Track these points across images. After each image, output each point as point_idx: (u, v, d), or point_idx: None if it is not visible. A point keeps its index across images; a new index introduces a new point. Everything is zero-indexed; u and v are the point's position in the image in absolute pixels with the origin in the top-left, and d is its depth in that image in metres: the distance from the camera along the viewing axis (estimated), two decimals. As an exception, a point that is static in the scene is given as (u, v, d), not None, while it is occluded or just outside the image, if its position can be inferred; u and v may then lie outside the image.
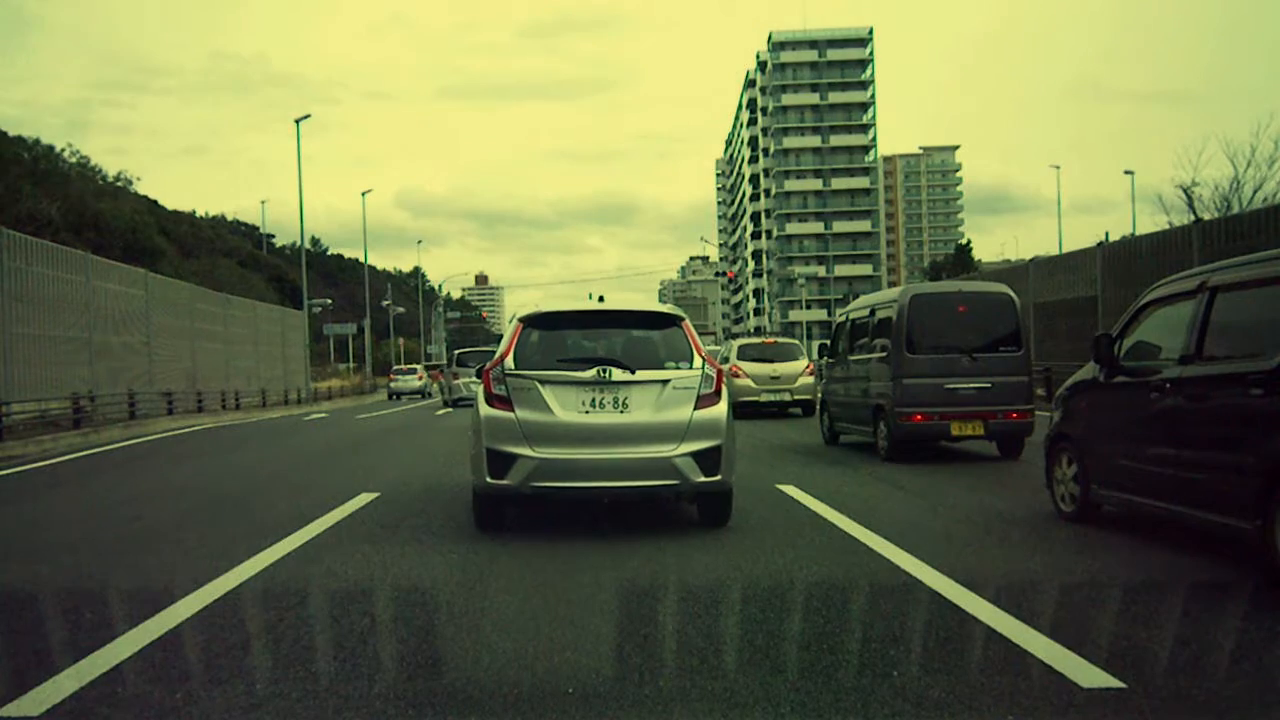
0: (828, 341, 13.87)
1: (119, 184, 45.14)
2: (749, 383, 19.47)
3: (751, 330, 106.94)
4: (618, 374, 6.84)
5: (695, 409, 6.88)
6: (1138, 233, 39.78)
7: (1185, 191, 29.88)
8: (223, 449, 15.91)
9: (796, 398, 19.52)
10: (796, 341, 21.49)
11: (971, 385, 10.91)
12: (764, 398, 19.41)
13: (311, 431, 20.38)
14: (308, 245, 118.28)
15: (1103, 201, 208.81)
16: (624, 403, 6.85)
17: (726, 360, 20.40)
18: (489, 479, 6.86)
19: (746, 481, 9.78)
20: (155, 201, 54.94)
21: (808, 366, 19.89)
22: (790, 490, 8.95)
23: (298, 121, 39.86)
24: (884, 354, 11.36)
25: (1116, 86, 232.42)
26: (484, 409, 6.99)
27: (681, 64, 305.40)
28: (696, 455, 6.79)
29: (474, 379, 29.66)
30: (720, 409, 7.00)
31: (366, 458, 13.22)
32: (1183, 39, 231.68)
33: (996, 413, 10.93)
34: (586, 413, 6.83)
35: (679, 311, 7.56)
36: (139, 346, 23.89)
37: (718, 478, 6.88)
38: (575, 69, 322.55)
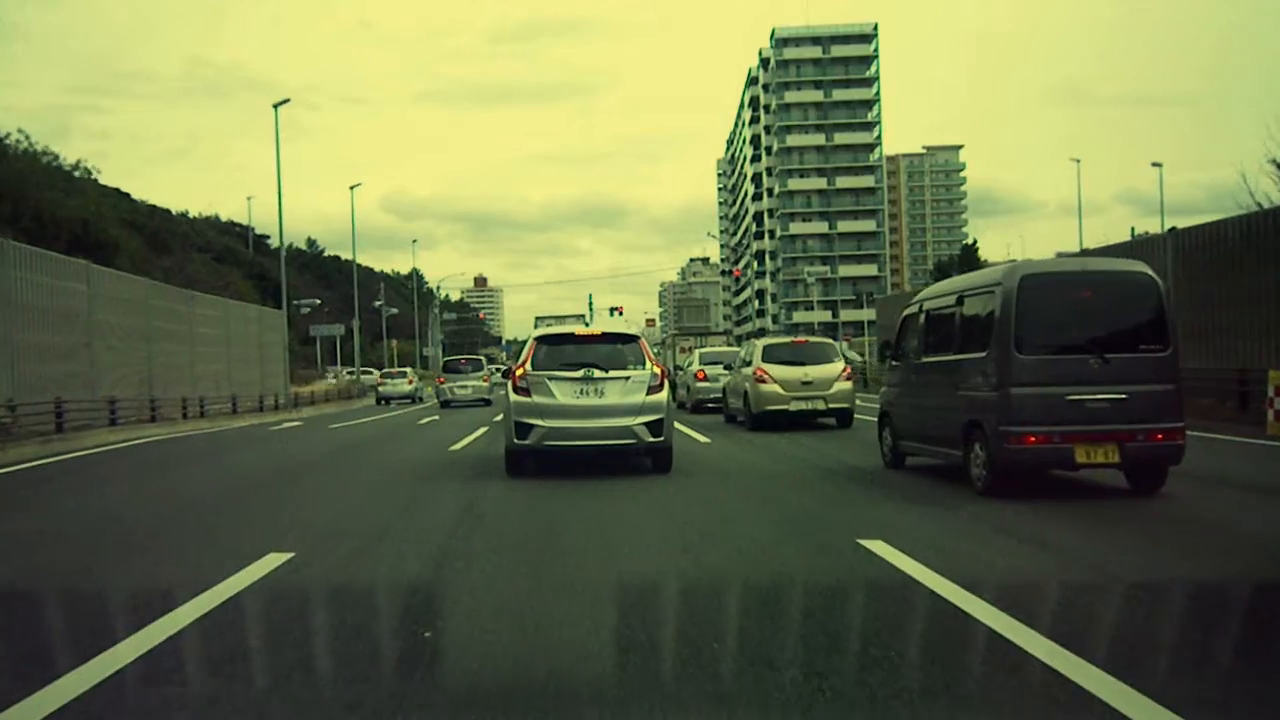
0: (890, 340, 11.09)
1: (78, 174, 42.04)
2: (776, 389, 16.67)
3: (755, 331, 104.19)
4: (598, 373, 10.16)
5: (646, 395, 10.18)
6: (1159, 230, 36.95)
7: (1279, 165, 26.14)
8: (140, 472, 13.16)
9: (832, 406, 16.72)
10: (831, 341, 18.70)
11: (1103, 396, 8.13)
12: (794, 406, 16.62)
13: (267, 446, 17.61)
14: (302, 246, 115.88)
15: (1090, 204, 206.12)
16: (601, 391, 10.14)
17: (749, 363, 17.63)
18: (516, 441, 10.20)
19: (815, 531, 7.03)
20: (128, 195, 52.06)
21: (844, 370, 17.11)
22: (880, 549, 6.18)
23: (276, 106, 37.13)
24: (981, 355, 8.59)
25: (1104, 91, 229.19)
26: (512, 396, 10.35)
27: (658, 68, 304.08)
28: (648, 424, 10.12)
29: (459, 384, 27.83)
30: (662, 396, 10.34)
31: (307, 488, 10.47)
32: (1172, 44, 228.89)
33: (1135, 433, 8.14)
34: (578, 398, 10.11)
35: (636, 333, 11.35)
36: (77, 348, 21.07)
37: (661, 438, 10.28)
38: (551, 73, 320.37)
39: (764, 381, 16.77)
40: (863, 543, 6.41)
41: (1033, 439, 8.14)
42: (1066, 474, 8.96)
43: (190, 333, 29.20)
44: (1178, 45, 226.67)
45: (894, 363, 10.86)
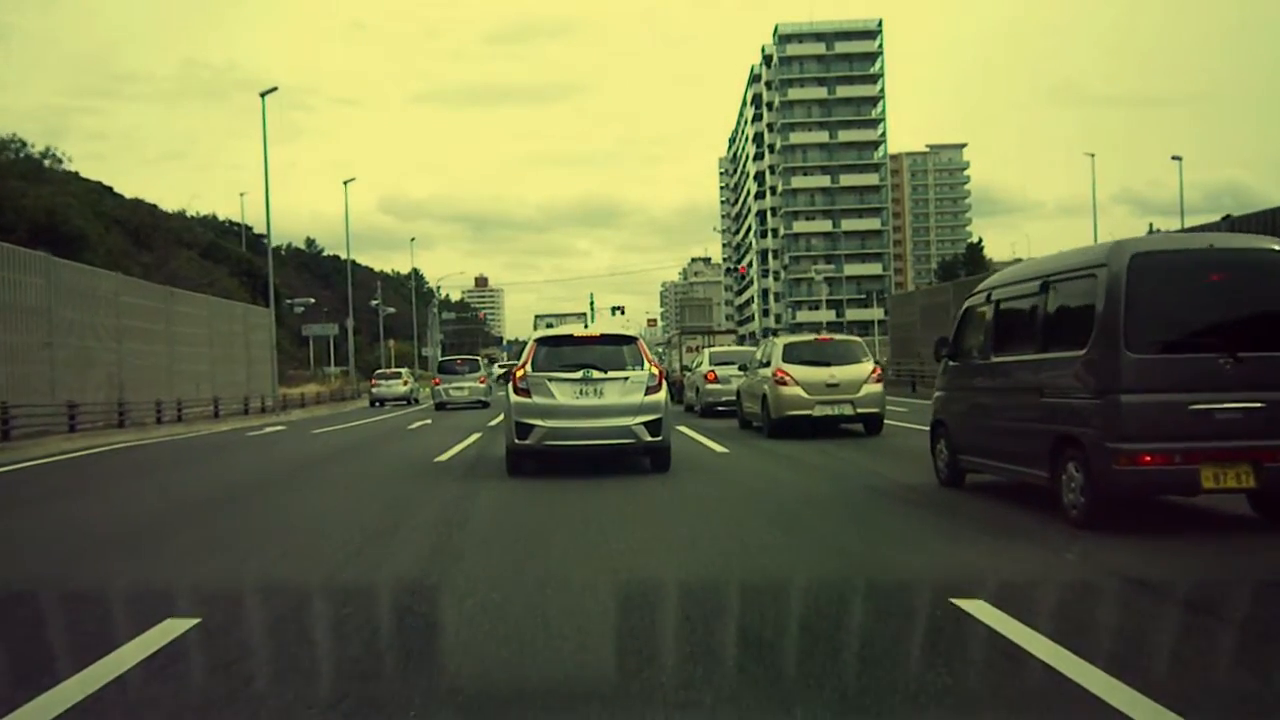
0: (946, 337, 9.42)
1: (48, 163, 39.96)
2: (799, 392, 15.00)
3: (764, 331, 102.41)
4: (596, 374, 10.47)
5: (644, 395, 10.45)
6: (1184, 226, 35.28)
7: None
8: (66, 491, 11.51)
9: (860, 411, 15.05)
10: (858, 339, 17.02)
11: (1235, 405, 6.49)
12: (818, 411, 14.94)
13: (234, 456, 15.99)
14: (300, 245, 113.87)
15: (1089, 204, 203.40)
16: (600, 391, 10.43)
17: (767, 363, 15.98)
18: (516, 441, 10.45)
19: (890, 584, 5.35)
20: (110, 189, 50.16)
21: (874, 370, 15.45)
22: (985, 614, 4.56)
23: (263, 95, 35.46)
24: (1077, 354, 6.94)
25: (1101, 91, 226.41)
26: (513, 397, 10.63)
27: (653, 69, 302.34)
28: (646, 424, 10.37)
29: (455, 385, 25.55)
30: (660, 396, 10.58)
31: (251, 516, 8.74)
32: (1171, 45, 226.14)
33: (1276, 451, 6.50)
34: (577, 398, 10.42)
35: (634, 334, 11.49)
36: (34, 347, 19.41)
37: (660, 438, 10.50)
38: (547, 74, 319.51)
39: (785, 384, 15.11)
40: (959, 604, 4.77)
41: (1148, 458, 6.49)
42: (1179, 501, 7.33)
43: (168, 331, 27.57)
44: (1176, 46, 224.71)
45: (952, 363, 9.20)
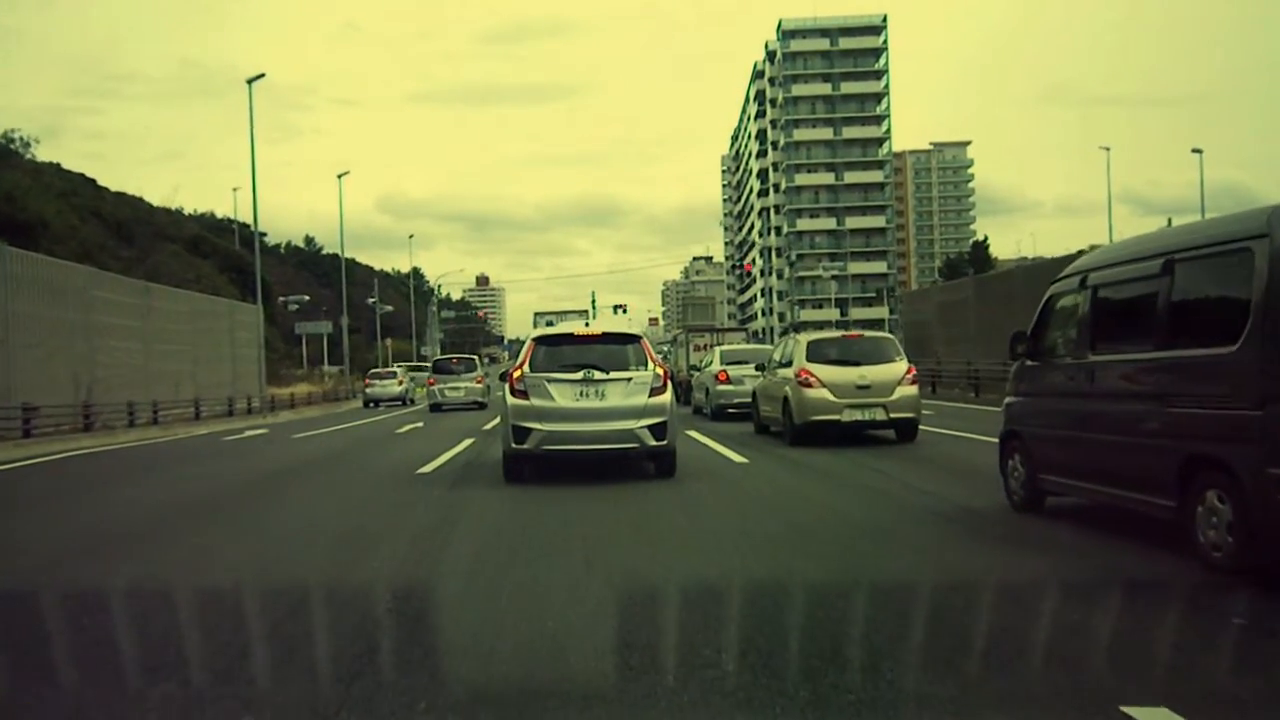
0: (1022, 331, 7.83)
1: (13, 145, 38.14)
2: (825, 394, 13.42)
3: (762, 329, 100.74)
4: (598, 374, 9.93)
5: (649, 397, 9.94)
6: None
7: None
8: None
9: (894, 416, 13.44)
10: (890, 336, 15.41)
11: None
12: (846, 416, 13.36)
13: (194, 464, 14.46)
14: (300, 244, 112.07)
15: (1087, 204, 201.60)
16: (602, 393, 9.92)
17: (789, 363, 14.42)
18: (513, 445, 9.91)
19: (1019, 675, 3.77)
20: (93, 180, 48.38)
21: (908, 371, 13.87)
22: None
23: (250, 82, 34.04)
24: (1221, 351, 5.39)
25: (1101, 91, 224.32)
26: (510, 399, 10.06)
27: (650, 70, 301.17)
28: (650, 427, 9.85)
29: (451, 385, 22.61)
30: (665, 397, 10.05)
31: (143, 564, 7.14)
32: (1169, 46, 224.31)
33: None
34: (577, 400, 9.90)
35: (638, 332, 11.11)
36: (-13, 344, 17.90)
37: (665, 442, 9.97)
38: (544, 74, 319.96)
39: (810, 385, 13.53)
40: (1135, 716, 3.22)
41: (1325, 488, 4.94)
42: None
43: (145, 328, 26.03)
44: (1176, 47, 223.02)
45: (1030, 362, 7.64)
